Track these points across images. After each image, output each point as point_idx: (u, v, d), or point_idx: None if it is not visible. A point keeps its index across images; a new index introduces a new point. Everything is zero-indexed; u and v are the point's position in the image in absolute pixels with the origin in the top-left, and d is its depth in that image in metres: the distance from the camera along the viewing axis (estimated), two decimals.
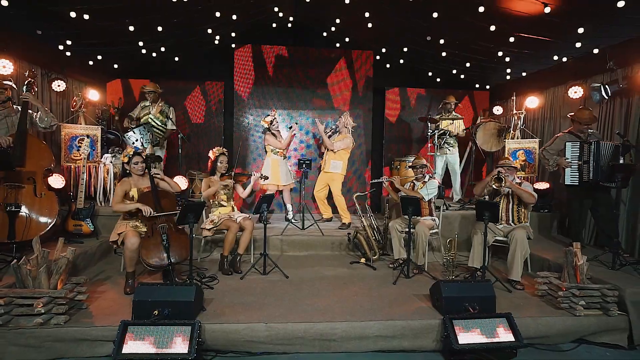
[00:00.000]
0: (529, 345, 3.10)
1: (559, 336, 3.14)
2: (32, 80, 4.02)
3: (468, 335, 2.90)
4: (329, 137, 5.58)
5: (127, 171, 3.74)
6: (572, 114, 4.61)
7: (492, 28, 4.19)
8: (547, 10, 3.57)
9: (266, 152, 5.64)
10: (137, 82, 6.37)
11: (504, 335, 2.94)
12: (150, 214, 3.52)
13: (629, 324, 3.19)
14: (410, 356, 2.97)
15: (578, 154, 4.33)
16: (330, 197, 5.69)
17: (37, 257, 2.90)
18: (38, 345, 2.74)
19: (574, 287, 3.24)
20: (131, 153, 3.72)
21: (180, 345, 2.67)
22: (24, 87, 3.95)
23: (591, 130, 4.52)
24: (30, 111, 3.94)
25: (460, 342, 2.86)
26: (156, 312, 2.82)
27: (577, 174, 4.34)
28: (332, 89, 6.68)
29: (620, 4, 3.25)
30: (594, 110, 4.85)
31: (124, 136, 5.17)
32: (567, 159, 4.36)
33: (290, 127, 5.62)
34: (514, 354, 2.96)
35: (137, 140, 5.02)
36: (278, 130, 5.64)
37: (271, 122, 5.52)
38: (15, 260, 2.84)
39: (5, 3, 3.46)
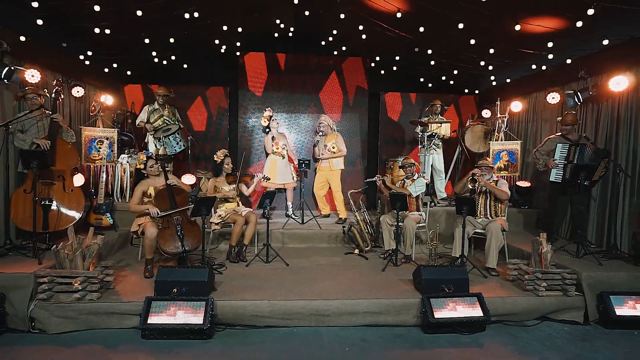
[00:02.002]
0: (498, 321, 3.58)
1: (524, 314, 3.61)
2: (60, 88, 4.51)
3: (442, 311, 3.37)
4: (321, 138, 6.02)
5: (145, 175, 4.22)
6: (560, 118, 5.04)
7: (472, 42, 4.65)
8: (518, 27, 4.03)
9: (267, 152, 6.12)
10: (144, 87, 6.88)
11: (474, 311, 3.42)
12: (157, 214, 3.98)
13: (584, 303, 3.66)
14: (394, 330, 3.43)
15: (565, 155, 4.76)
16: (328, 194, 6.16)
17: (72, 244, 3.38)
18: (75, 317, 3.23)
19: (538, 271, 3.71)
20: (144, 159, 4.21)
21: (196, 317, 3.15)
22: (53, 94, 4.44)
23: (584, 134, 4.92)
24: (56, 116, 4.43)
25: (435, 317, 3.33)
26: (175, 290, 3.30)
27: (562, 172, 4.77)
28: (330, 93, 7.14)
29: (579, 24, 3.71)
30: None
31: (165, 141, 5.67)
32: (555, 159, 4.77)
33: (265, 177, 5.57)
34: (483, 328, 3.42)
35: (178, 142, 5.69)
36: (277, 130, 6.08)
37: (270, 117, 5.96)
38: (55, 246, 3.32)
39: (40, 22, 3.93)
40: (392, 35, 5.17)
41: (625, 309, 3.54)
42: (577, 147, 4.65)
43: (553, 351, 3.13)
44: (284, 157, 6.02)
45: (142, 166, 4.18)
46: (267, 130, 6.07)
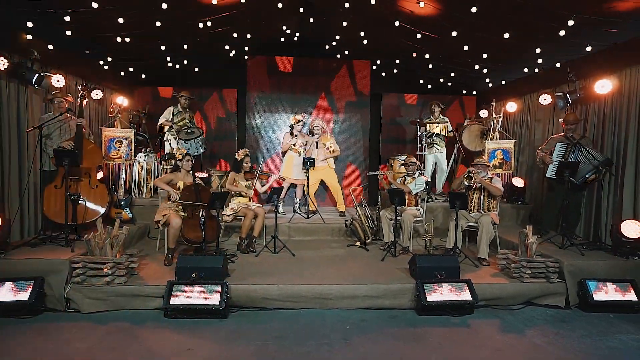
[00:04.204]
0: (486, 305, 3.93)
1: (510, 298, 3.95)
2: (85, 92, 4.91)
3: (434, 295, 3.72)
4: (318, 139, 6.36)
5: (179, 167, 4.71)
6: (562, 119, 5.34)
7: (466, 48, 4.99)
8: (507, 35, 4.36)
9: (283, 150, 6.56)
10: (157, 89, 7.29)
11: (464, 295, 3.76)
12: (176, 199, 4.44)
13: (566, 289, 3.99)
14: (390, 312, 3.79)
15: (563, 154, 5.05)
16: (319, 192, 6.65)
17: (101, 234, 3.77)
18: (105, 299, 3.62)
19: (523, 260, 4.04)
20: (185, 152, 4.75)
21: (213, 299, 3.53)
22: (79, 97, 4.84)
23: (585, 135, 5.17)
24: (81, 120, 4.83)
25: (428, 300, 3.68)
26: (194, 274, 3.68)
27: (556, 169, 5.04)
28: (333, 95, 7.49)
29: (562, 33, 4.03)
30: (562, 116, 5.64)
31: (187, 142, 6.06)
32: (552, 157, 5.03)
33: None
34: (471, 310, 3.77)
35: (201, 145, 6.18)
36: (300, 132, 6.43)
37: (298, 121, 6.35)
38: (86, 236, 3.72)
39: (69, 33, 4.32)
40: (400, 42, 5.51)
41: (603, 294, 3.87)
42: (572, 147, 4.91)
43: (534, 330, 3.47)
44: (299, 155, 6.32)
45: (180, 157, 4.69)
46: (291, 129, 6.42)
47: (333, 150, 6.40)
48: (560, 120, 5.38)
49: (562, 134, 5.20)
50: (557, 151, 5.05)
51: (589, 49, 4.44)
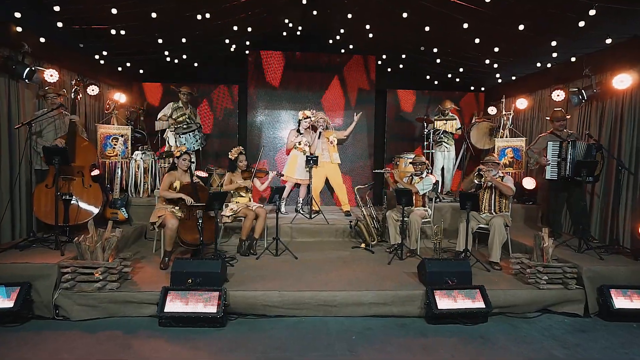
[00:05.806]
0: (500, 313, 3.70)
1: (525, 306, 3.72)
2: (78, 88, 4.71)
3: (446, 302, 3.50)
4: (319, 134, 6.17)
5: (175, 165, 4.43)
6: (549, 116, 5.14)
7: (477, 40, 4.75)
8: (521, 27, 4.12)
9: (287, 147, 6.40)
10: (156, 85, 7.08)
11: (477, 303, 3.54)
12: (191, 203, 4.20)
13: (585, 296, 3.76)
14: (398, 320, 3.57)
15: (558, 152, 4.84)
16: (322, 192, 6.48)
17: (92, 236, 3.57)
18: (96, 305, 3.42)
19: (539, 265, 3.81)
20: (183, 150, 4.44)
21: (210, 306, 3.32)
22: (72, 93, 4.64)
23: (571, 132, 5.02)
24: (74, 117, 4.62)
25: (439, 308, 3.46)
26: (190, 280, 3.47)
27: (556, 169, 4.85)
28: (337, 91, 7.26)
29: (581, 24, 3.79)
30: (575, 113, 5.42)
31: (182, 137, 5.86)
32: (547, 158, 4.85)
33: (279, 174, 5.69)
34: (485, 319, 3.55)
35: (197, 140, 5.96)
36: (306, 129, 6.21)
37: (307, 117, 6.13)
38: (77, 238, 3.51)
39: (60, 25, 4.11)
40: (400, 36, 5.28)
41: (625, 301, 3.64)
42: (568, 143, 4.71)
43: (552, 341, 3.25)
44: (304, 153, 6.09)
45: (178, 154, 4.40)
46: (298, 125, 6.24)
47: (339, 137, 6.36)
48: (546, 118, 5.19)
49: (550, 131, 5.03)
50: (551, 150, 4.84)
51: (608, 41, 4.19)
